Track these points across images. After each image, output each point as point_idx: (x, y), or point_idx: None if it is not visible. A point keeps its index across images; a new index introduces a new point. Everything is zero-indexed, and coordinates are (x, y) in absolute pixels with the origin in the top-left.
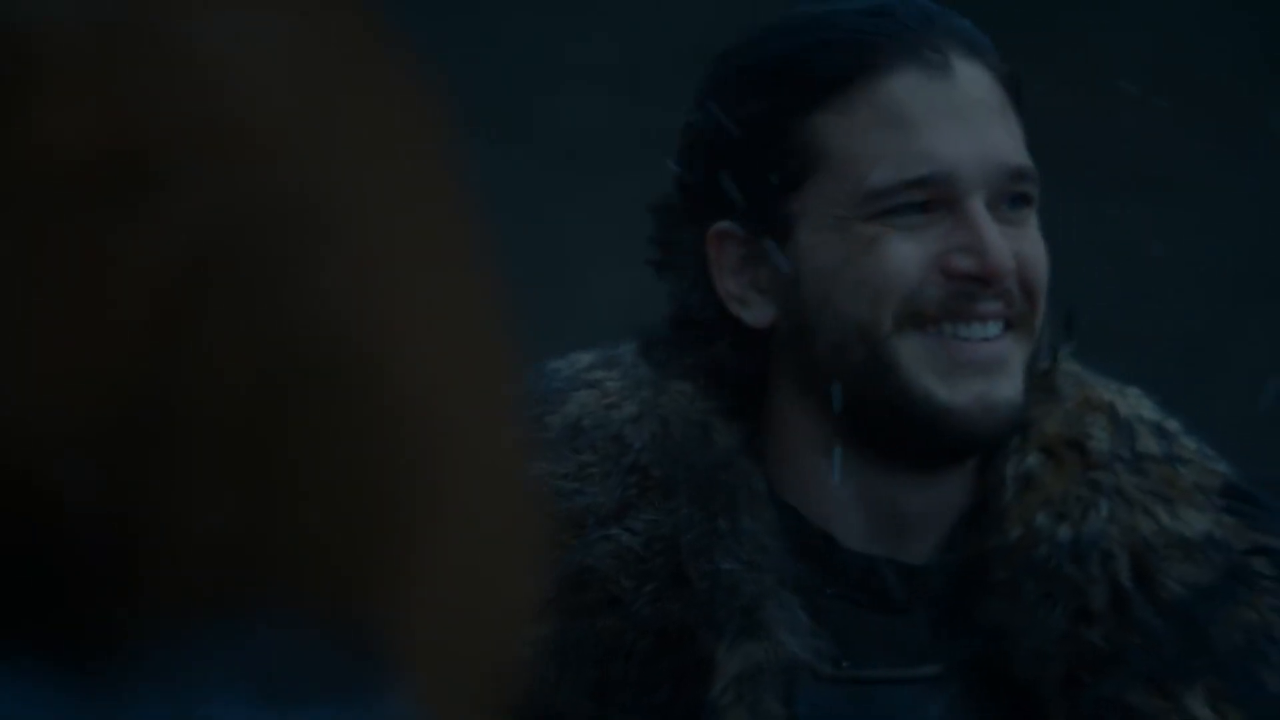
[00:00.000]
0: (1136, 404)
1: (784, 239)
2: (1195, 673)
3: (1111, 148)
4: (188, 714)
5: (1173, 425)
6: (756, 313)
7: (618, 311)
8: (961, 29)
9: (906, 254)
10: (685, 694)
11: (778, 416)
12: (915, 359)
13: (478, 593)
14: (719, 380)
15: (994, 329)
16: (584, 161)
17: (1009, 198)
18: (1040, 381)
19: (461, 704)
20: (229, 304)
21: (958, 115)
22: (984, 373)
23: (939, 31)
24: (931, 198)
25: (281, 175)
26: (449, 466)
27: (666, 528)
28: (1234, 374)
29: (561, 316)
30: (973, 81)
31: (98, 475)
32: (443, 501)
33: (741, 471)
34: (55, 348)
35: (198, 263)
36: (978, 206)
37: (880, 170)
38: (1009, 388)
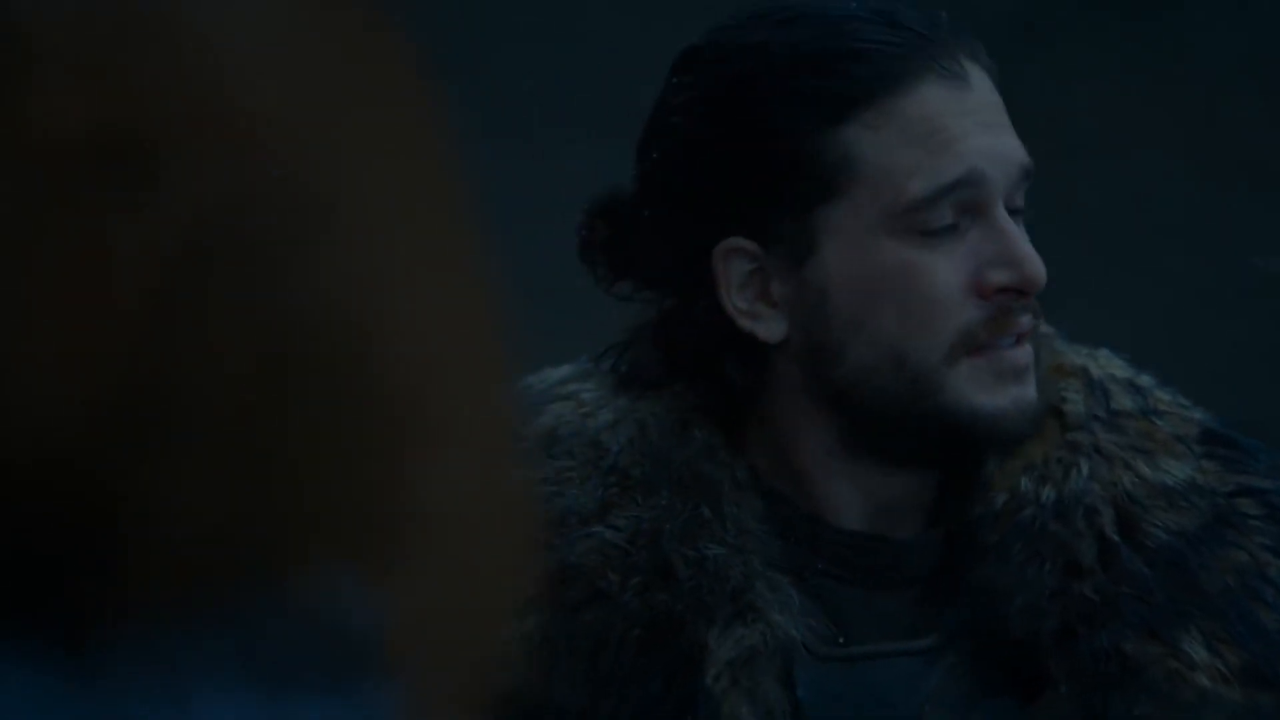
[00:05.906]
0: (1107, 364)
1: (807, 255)
2: (1188, 616)
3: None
4: (180, 700)
5: (1145, 380)
6: (769, 327)
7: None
8: (964, 34)
9: (946, 280)
10: (678, 683)
11: (773, 415)
12: (964, 381)
13: (465, 587)
14: (708, 384)
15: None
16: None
17: (1012, 199)
18: None
19: (448, 696)
20: (225, 290)
21: (978, 121)
22: (1019, 378)
23: (951, 39)
24: (963, 205)
25: (279, 163)
26: (438, 460)
27: (649, 522)
28: None
29: (571, 319)
30: (983, 86)
31: (92, 461)
32: (431, 496)
33: (723, 462)
34: (51, 333)
35: (195, 249)
36: (1004, 213)
37: (917, 181)
38: (1034, 388)
